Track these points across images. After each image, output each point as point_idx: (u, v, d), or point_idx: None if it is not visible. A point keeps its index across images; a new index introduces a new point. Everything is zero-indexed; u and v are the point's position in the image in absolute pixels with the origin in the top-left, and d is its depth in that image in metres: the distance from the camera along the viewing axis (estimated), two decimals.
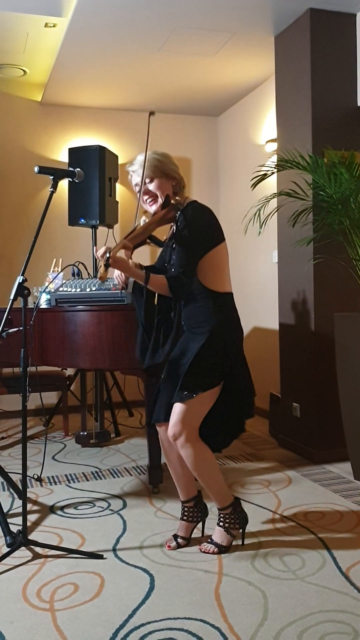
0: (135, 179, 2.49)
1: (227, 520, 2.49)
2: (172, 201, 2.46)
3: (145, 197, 2.48)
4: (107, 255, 2.22)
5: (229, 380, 2.47)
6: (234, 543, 2.52)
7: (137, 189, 2.48)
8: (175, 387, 2.40)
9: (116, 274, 2.55)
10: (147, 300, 2.57)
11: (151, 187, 2.47)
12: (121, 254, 2.33)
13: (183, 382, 2.38)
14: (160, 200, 2.46)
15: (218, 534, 2.49)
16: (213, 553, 2.45)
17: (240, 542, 2.53)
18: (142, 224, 2.45)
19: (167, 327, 2.60)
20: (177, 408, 2.38)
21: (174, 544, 2.54)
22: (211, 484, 2.46)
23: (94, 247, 4.36)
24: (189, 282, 2.36)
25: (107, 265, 2.21)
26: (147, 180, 2.46)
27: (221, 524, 2.50)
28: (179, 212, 2.45)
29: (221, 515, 2.50)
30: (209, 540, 2.51)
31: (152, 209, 2.49)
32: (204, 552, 2.46)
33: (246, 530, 2.59)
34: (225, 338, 2.44)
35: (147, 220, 2.47)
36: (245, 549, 2.49)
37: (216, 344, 2.41)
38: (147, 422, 2.74)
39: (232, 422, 2.57)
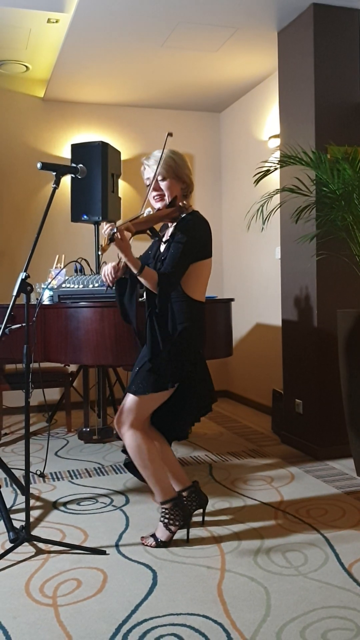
0: (148, 173, 2.54)
1: (167, 516, 2.52)
2: (180, 203, 2.52)
3: (154, 194, 2.54)
4: (114, 230, 2.27)
5: (187, 384, 2.53)
6: (227, 554, 2.51)
7: (148, 182, 2.54)
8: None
9: (106, 271, 2.57)
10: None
11: (162, 185, 2.52)
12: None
13: (138, 376, 2.48)
14: (167, 200, 2.52)
15: (158, 529, 2.54)
16: (151, 546, 2.49)
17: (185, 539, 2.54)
18: (145, 215, 2.50)
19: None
20: (129, 398, 2.50)
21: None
22: (150, 475, 2.51)
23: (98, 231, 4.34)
24: (176, 283, 2.44)
25: (111, 240, 2.26)
26: (160, 178, 2.51)
27: (161, 518, 2.53)
28: (182, 215, 2.52)
29: (161, 510, 2.54)
30: (152, 534, 2.55)
31: (157, 205, 2.55)
32: (144, 544, 2.51)
33: (249, 526, 2.59)
34: (189, 344, 2.49)
35: (152, 213, 2.51)
36: (247, 545, 2.50)
37: (180, 349, 2.47)
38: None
39: (185, 418, 2.64)
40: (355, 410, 3.28)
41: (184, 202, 2.54)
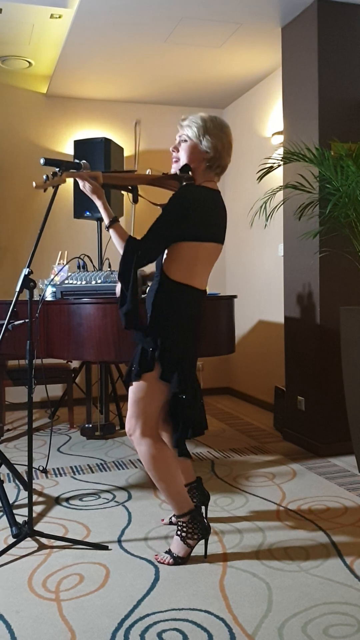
0: (178, 131, 2.34)
1: (185, 530, 2.32)
2: (179, 173, 2.28)
3: (174, 154, 2.34)
4: (57, 171, 2.20)
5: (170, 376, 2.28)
6: (229, 550, 2.52)
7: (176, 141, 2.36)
8: None
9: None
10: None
11: (182, 146, 2.31)
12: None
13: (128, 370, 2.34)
14: (180, 164, 2.31)
15: (174, 544, 2.34)
16: (168, 564, 2.30)
17: (203, 554, 2.36)
18: (139, 173, 2.38)
19: None
20: (128, 399, 2.32)
21: (167, 520, 2.68)
22: (166, 487, 2.32)
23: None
24: (145, 254, 2.19)
25: (51, 175, 2.20)
26: (184, 138, 2.30)
27: (178, 532, 2.34)
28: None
29: (178, 523, 2.36)
30: (167, 550, 2.36)
31: (173, 168, 2.35)
32: (160, 562, 2.32)
33: (251, 522, 2.59)
34: (169, 329, 2.26)
35: (143, 174, 2.37)
36: (249, 541, 2.50)
37: (158, 333, 2.25)
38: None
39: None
40: (357, 407, 3.28)
41: (190, 173, 2.27)
